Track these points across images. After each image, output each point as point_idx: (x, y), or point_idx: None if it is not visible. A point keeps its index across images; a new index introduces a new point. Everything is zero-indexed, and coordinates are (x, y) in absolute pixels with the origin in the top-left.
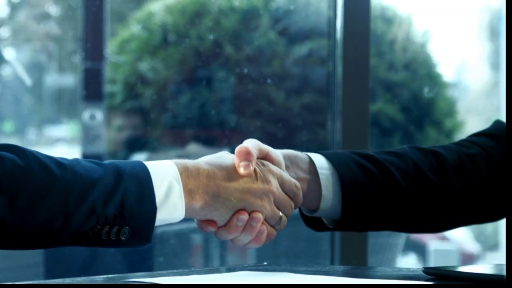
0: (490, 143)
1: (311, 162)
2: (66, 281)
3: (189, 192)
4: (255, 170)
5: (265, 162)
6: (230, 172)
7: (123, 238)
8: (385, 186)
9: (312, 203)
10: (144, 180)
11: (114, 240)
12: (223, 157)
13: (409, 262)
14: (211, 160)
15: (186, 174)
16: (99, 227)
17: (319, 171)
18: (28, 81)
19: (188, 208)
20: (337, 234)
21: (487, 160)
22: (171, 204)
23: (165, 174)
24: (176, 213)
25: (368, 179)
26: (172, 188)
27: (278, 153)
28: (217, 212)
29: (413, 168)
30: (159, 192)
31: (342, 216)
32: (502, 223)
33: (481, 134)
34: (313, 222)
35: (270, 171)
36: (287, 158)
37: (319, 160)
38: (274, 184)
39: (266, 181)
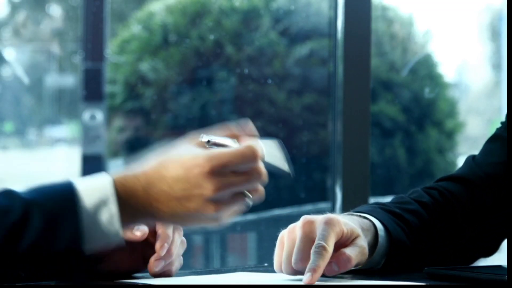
0: (461, 192)
1: (373, 225)
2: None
3: (126, 215)
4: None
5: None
6: (169, 182)
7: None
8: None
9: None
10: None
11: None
12: (168, 162)
13: None
14: (153, 167)
15: (124, 193)
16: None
17: (379, 233)
18: (26, 80)
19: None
20: None
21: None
22: (100, 230)
23: (99, 195)
24: (111, 238)
25: (405, 237)
26: (106, 212)
27: (349, 227)
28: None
29: (424, 228)
30: (88, 219)
31: (381, 268)
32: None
33: (449, 178)
34: None
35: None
36: (360, 227)
37: (377, 223)
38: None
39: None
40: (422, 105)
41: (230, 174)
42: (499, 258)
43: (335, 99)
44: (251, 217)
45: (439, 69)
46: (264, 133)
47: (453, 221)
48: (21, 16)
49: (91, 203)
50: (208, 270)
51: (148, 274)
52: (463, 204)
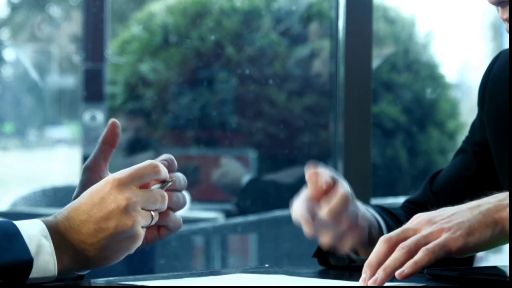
0: None
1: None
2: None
3: (58, 249)
4: None
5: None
6: (85, 210)
7: None
8: None
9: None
10: (13, 235)
11: None
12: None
13: None
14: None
15: (54, 230)
16: None
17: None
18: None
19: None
20: None
21: None
22: (42, 262)
23: (33, 231)
24: (48, 272)
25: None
26: (42, 246)
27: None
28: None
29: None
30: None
31: None
32: None
33: (412, 202)
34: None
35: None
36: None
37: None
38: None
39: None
40: (424, 105)
41: (137, 187)
42: (502, 260)
43: (336, 100)
44: (252, 218)
45: (440, 69)
46: (265, 134)
47: None
48: (21, 16)
49: (31, 232)
50: (209, 271)
51: (147, 275)
52: None
